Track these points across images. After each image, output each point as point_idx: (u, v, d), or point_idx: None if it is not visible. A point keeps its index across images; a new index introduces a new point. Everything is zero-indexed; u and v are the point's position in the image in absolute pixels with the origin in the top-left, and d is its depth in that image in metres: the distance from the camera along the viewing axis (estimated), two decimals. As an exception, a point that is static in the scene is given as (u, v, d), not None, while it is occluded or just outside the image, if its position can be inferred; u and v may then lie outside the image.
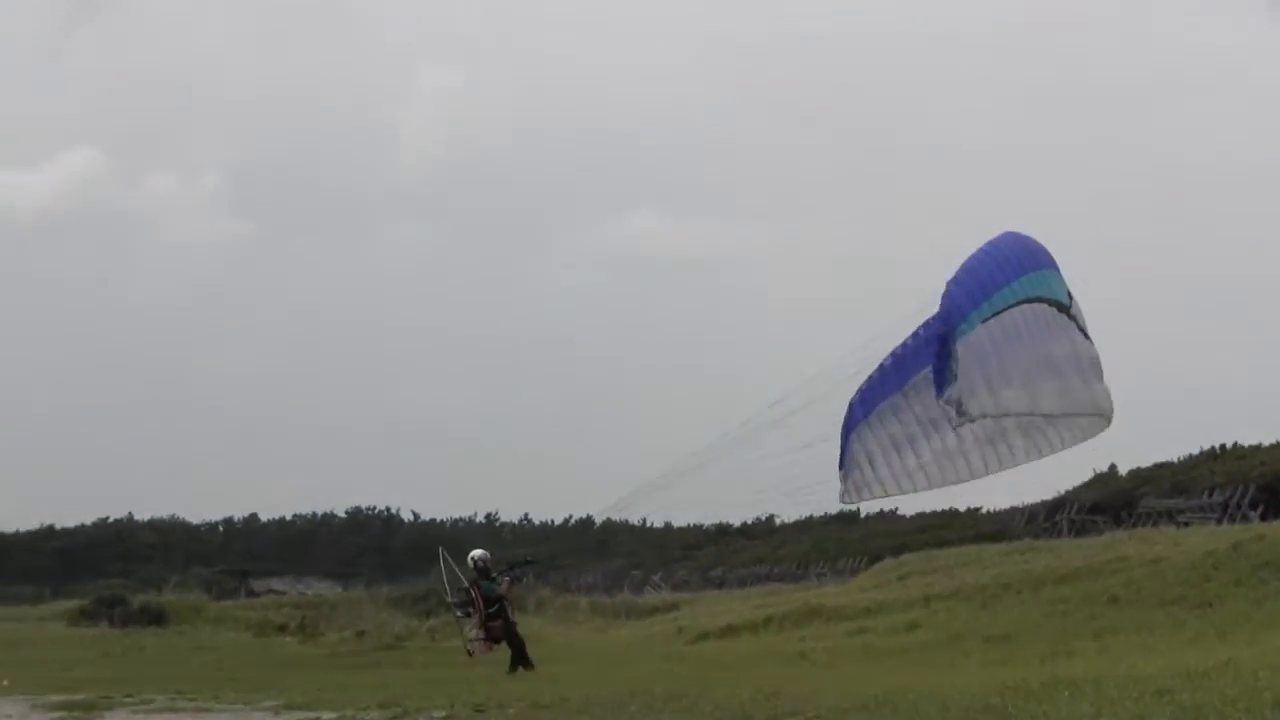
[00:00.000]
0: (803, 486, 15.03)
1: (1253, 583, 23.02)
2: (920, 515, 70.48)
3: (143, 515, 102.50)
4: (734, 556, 70.29)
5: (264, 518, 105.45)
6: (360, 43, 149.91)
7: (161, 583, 67.19)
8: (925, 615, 29.19)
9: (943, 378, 14.71)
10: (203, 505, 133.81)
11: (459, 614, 21.34)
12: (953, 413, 14.69)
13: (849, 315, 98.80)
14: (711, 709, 12.50)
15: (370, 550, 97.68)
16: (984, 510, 65.73)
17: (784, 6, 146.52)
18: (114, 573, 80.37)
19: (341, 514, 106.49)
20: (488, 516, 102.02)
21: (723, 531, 76.47)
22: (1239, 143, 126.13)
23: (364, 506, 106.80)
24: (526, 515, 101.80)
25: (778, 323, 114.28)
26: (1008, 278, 15.21)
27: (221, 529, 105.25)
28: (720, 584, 61.45)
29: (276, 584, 79.33)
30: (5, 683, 22.41)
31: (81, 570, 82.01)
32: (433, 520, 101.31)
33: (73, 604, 56.14)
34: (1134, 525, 43.35)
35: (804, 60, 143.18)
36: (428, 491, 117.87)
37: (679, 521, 75.53)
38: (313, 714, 15.65)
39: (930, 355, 14.82)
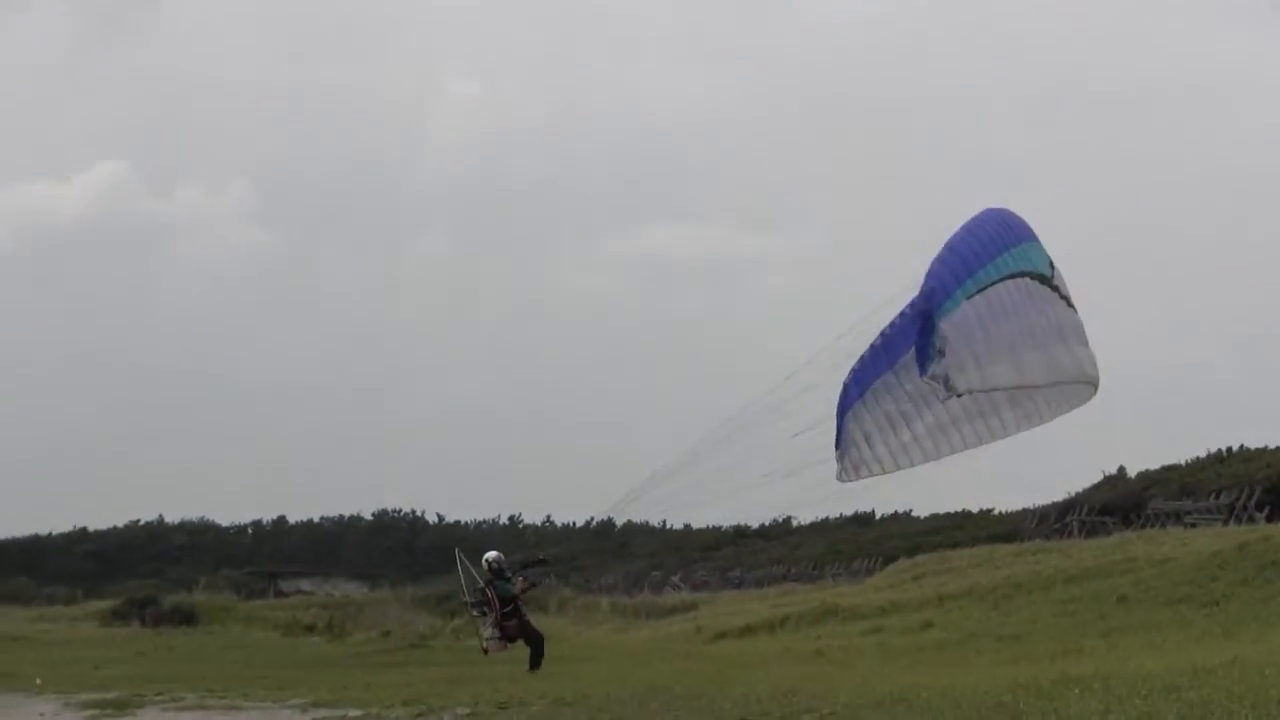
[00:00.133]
0: (801, 466, 15.10)
1: (1258, 582, 23.19)
2: (934, 517, 70.94)
3: (174, 518, 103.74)
4: (752, 557, 70.47)
5: (292, 520, 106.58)
6: (386, 54, 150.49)
7: (192, 584, 68.05)
8: (939, 615, 29.26)
9: (925, 355, 14.75)
10: (232, 508, 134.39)
11: (474, 613, 21.88)
12: (940, 388, 14.78)
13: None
14: (729, 706, 12.77)
15: (396, 552, 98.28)
16: (996, 512, 66.05)
17: (797, 17, 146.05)
18: (146, 574, 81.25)
19: (368, 516, 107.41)
20: (511, 519, 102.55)
21: (741, 533, 76.50)
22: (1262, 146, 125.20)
23: (390, 509, 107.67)
24: (549, 517, 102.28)
25: (804, 324, 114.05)
26: (990, 254, 15.23)
27: (251, 531, 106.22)
28: (738, 584, 61.49)
29: (304, 585, 79.96)
30: (39, 682, 22.80)
31: (114, 572, 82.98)
32: (457, 522, 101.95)
33: (105, 604, 56.81)
34: (1142, 526, 43.15)
35: (825, 66, 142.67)
36: (452, 494, 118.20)
37: (698, 523, 76.05)
38: (339, 711, 16.05)
39: (914, 333, 14.89)
